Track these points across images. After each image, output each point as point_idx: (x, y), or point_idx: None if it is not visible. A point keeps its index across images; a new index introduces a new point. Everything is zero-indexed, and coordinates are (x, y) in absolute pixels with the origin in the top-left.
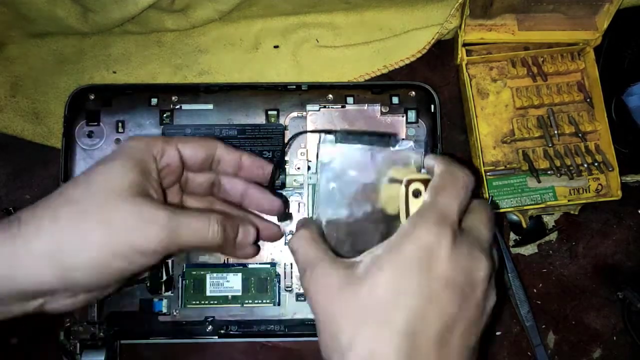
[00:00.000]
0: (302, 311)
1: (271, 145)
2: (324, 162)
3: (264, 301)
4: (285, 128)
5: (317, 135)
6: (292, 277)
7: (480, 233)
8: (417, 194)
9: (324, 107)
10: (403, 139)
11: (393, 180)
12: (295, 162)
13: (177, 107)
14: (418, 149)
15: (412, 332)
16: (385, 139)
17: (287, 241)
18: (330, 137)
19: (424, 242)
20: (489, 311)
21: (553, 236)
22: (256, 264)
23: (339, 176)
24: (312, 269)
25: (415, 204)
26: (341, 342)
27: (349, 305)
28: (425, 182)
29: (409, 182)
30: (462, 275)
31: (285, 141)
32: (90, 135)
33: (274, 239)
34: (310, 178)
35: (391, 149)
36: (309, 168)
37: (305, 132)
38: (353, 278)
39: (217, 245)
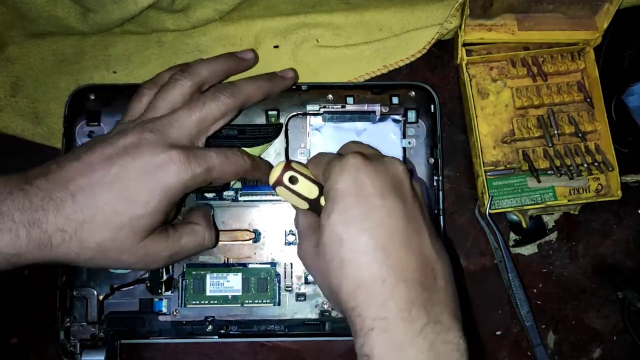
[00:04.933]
0: (302, 311)
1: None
2: (316, 145)
3: (264, 301)
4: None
5: (317, 140)
6: (292, 277)
7: (370, 150)
8: (293, 180)
9: (324, 107)
10: (383, 114)
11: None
12: None
13: None
14: (397, 122)
15: (383, 246)
16: (367, 115)
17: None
18: (319, 118)
19: (348, 173)
20: (421, 196)
21: (553, 236)
22: (256, 264)
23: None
24: (299, 236)
25: (302, 186)
26: (332, 288)
27: (325, 255)
28: (287, 168)
29: (280, 177)
30: (387, 179)
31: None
32: (90, 135)
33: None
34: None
35: (372, 124)
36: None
37: (297, 114)
38: (320, 233)
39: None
